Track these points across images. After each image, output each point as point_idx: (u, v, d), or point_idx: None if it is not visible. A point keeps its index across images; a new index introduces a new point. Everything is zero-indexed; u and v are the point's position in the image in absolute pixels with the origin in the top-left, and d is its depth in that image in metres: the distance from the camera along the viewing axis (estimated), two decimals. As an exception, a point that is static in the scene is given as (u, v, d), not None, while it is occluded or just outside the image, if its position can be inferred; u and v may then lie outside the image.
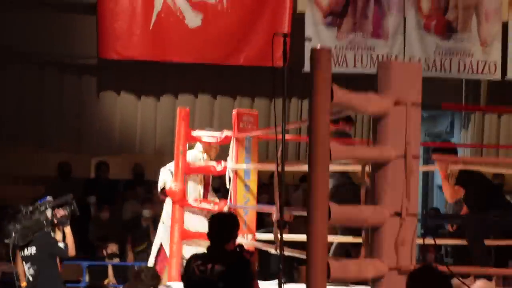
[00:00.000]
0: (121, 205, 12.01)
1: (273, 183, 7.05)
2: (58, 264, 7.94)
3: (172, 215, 7.89)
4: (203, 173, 8.13)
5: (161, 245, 8.05)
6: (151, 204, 11.13)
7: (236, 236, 5.89)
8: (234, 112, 8.04)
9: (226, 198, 7.91)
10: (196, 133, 8.11)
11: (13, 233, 7.60)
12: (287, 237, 7.63)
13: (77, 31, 12.06)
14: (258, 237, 7.92)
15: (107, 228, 11.37)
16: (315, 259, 4.61)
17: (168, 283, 7.71)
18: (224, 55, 11.95)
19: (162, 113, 12.35)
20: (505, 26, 12.28)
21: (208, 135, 8.12)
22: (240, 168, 7.81)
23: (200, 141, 8.15)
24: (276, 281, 5.64)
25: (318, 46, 4.85)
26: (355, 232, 7.40)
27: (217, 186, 9.40)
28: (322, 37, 11.90)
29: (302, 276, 8.98)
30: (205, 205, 7.99)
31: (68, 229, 7.79)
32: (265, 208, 8.59)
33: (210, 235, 5.81)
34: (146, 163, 12.33)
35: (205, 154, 8.20)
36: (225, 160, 7.96)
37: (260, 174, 8.26)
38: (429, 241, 6.73)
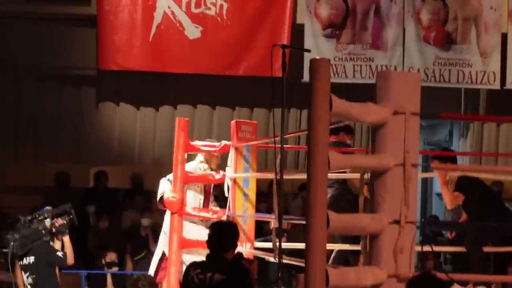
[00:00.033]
0: (120, 214, 12.03)
1: (272, 191, 7.06)
2: (57, 273, 7.95)
3: (170, 224, 7.89)
4: (202, 182, 8.14)
5: (163, 254, 8.04)
6: (150, 213, 11.16)
7: (235, 245, 5.90)
8: (233, 122, 8.07)
9: (225, 207, 7.93)
10: (195, 143, 8.12)
11: (11, 243, 7.60)
12: (286, 245, 7.67)
13: (76, 43, 12.12)
14: (257, 245, 7.93)
15: (106, 237, 11.39)
16: (314, 267, 4.61)
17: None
18: (224, 66, 12.00)
19: (161, 124, 12.38)
20: (504, 37, 12.31)
21: (206, 145, 8.13)
22: (239, 176, 7.82)
23: (199, 150, 8.16)
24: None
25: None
26: (355, 239, 7.42)
27: (215, 194, 9.41)
28: (321, 49, 11.94)
29: (300, 284, 8.99)
30: (203, 214, 8.00)
31: (66, 238, 7.80)
32: (264, 217, 8.60)
33: (210, 243, 5.82)
34: (145, 173, 12.36)
35: (206, 164, 8.20)
36: (225, 169, 7.97)
37: (259, 183, 8.28)
38: (428, 248, 6.74)
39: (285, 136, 6.06)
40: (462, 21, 12.27)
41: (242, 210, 7.79)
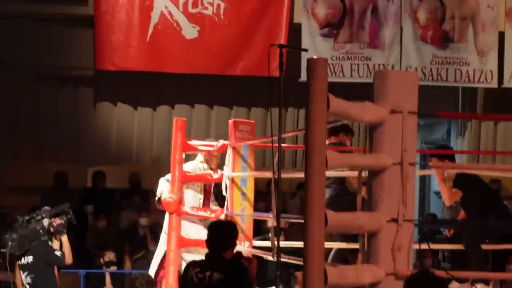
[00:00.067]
0: (118, 214, 12.03)
1: (270, 190, 7.07)
2: (56, 272, 7.96)
3: (168, 223, 7.89)
4: (201, 182, 8.15)
5: (165, 253, 8.04)
6: (148, 213, 11.18)
7: (234, 244, 5.91)
8: (231, 121, 8.07)
9: (223, 206, 7.94)
10: (192, 142, 8.12)
11: (9, 243, 7.61)
12: (284, 244, 7.68)
13: (73, 43, 12.11)
14: (255, 244, 7.94)
15: (104, 237, 11.39)
16: (312, 266, 4.63)
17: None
18: (222, 65, 11.99)
19: (159, 123, 12.38)
20: (501, 36, 12.33)
21: (204, 144, 8.14)
22: (236, 176, 7.83)
23: (197, 150, 8.16)
24: (273, 288, 5.66)
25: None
26: (354, 238, 7.43)
27: (214, 194, 9.42)
28: (319, 48, 11.95)
29: (299, 282, 9.00)
30: (201, 213, 8.00)
31: (65, 238, 7.81)
32: (262, 216, 8.61)
33: (209, 242, 5.83)
34: (142, 173, 12.36)
35: (206, 164, 8.20)
36: (223, 169, 7.99)
37: (257, 182, 8.28)
38: (425, 246, 6.76)
39: (282, 136, 6.08)
40: (459, 19, 12.29)
41: (240, 209, 7.80)
